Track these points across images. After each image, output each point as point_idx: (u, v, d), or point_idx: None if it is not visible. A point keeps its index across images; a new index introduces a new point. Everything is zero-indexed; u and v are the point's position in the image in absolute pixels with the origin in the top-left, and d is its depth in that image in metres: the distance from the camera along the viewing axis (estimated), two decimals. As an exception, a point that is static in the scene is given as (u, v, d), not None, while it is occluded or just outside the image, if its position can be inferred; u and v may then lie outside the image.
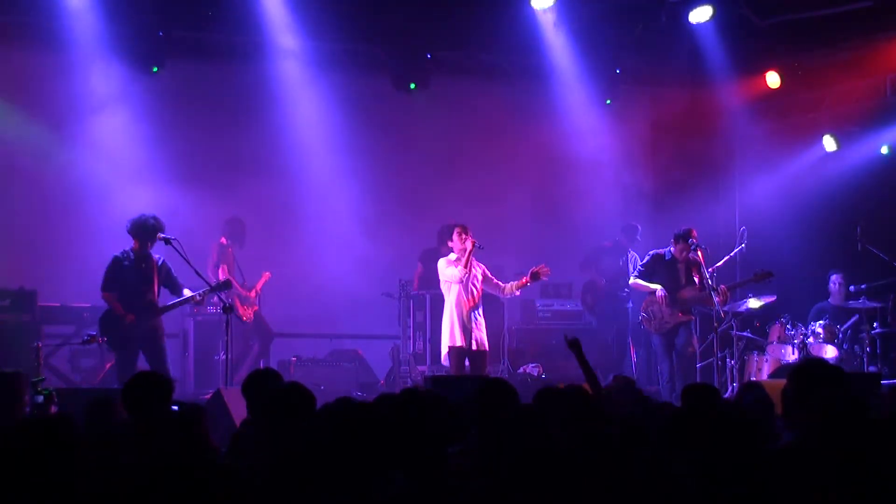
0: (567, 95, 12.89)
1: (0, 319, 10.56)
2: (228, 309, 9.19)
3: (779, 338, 11.03)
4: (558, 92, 12.84)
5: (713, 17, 11.70)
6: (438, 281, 9.96)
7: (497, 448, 4.28)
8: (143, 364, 9.31)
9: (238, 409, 6.82)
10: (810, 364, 4.87)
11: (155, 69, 11.49)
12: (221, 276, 11.07)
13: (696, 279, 10.38)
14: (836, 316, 11.40)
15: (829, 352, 10.77)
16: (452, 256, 9.80)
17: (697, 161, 13.51)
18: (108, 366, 10.96)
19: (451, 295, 9.72)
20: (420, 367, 11.26)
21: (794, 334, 10.96)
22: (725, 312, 10.79)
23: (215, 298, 9.88)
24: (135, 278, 9.31)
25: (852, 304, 11.19)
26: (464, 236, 9.65)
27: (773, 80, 12.72)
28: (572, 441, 4.18)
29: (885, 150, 12.36)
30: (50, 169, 11.61)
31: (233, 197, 11.97)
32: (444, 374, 9.79)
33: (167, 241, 9.28)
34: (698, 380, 10.19)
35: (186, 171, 11.78)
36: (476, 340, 9.65)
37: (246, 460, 4.50)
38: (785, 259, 11.66)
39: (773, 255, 11.60)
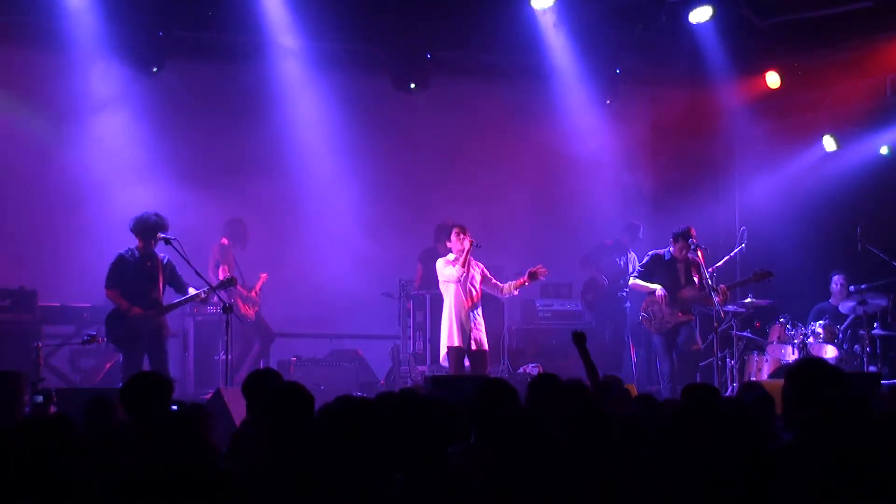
0: (567, 95, 12.89)
1: (0, 319, 10.56)
2: (228, 309, 9.19)
3: (779, 338, 11.03)
4: (558, 92, 12.84)
5: (713, 17, 11.70)
6: (438, 281, 9.98)
7: (497, 448, 4.28)
8: (144, 363, 9.31)
9: (238, 409, 6.83)
10: (808, 364, 4.86)
11: (155, 69, 11.50)
12: (222, 277, 11.07)
13: (695, 279, 10.38)
14: (836, 316, 11.40)
15: (829, 352, 10.77)
16: (451, 256, 9.81)
17: (697, 161, 13.51)
18: (108, 366, 10.97)
19: (449, 295, 9.73)
20: (420, 367, 11.27)
21: (794, 334, 10.96)
22: (725, 312, 10.80)
23: (216, 298, 9.88)
24: (140, 276, 9.31)
25: (853, 305, 11.18)
26: (462, 236, 9.67)
27: (773, 80, 12.72)
28: (572, 441, 4.18)
29: (884, 150, 12.36)
30: (50, 169, 11.62)
31: (233, 197, 11.97)
32: (444, 374, 9.79)
33: (167, 241, 9.28)
34: (699, 378, 10.20)
35: (186, 171, 11.78)
36: (475, 340, 9.65)
37: (246, 460, 4.50)
38: (785, 259, 11.66)
39: (773, 255, 11.60)
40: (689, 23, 11.83)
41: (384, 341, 12.19)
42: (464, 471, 4.20)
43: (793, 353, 10.76)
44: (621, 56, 12.82)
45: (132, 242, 9.43)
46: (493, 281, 9.92)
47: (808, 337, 10.91)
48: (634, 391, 8.91)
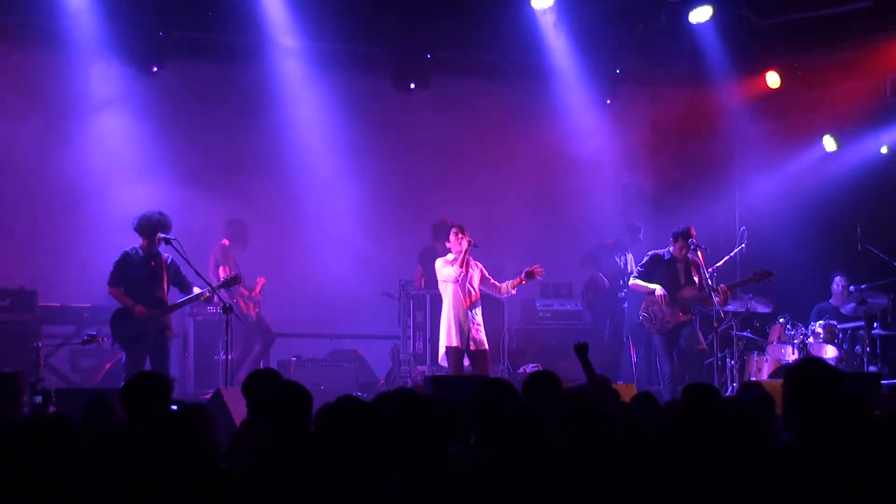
0: (567, 95, 12.89)
1: (0, 319, 10.56)
2: (228, 309, 9.19)
3: (779, 338, 11.04)
4: (558, 92, 12.84)
5: (713, 17, 11.70)
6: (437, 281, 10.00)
7: (497, 448, 4.28)
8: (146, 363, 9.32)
9: (238, 409, 6.83)
10: (807, 364, 4.86)
11: (155, 69, 11.50)
12: (222, 277, 11.07)
13: (695, 279, 10.38)
14: (836, 316, 11.40)
15: (829, 352, 10.78)
16: (450, 256, 9.83)
17: (697, 161, 13.52)
18: (108, 366, 10.97)
19: (448, 295, 9.74)
20: (420, 367, 11.27)
21: (794, 334, 10.97)
22: (725, 312, 10.80)
23: (216, 298, 9.88)
24: (144, 275, 9.31)
25: (853, 305, 11.19)
26: (460, 236, 9.69)
27: (773, 80, 12.72)
28: (573, 440, 4.18)
29: (884, 150, 12.36)
30: (50, 169, 11.61)
31: (233, 197, 11.97)
32: (444, 374, 9.79)
33: (167, 241, 9.28)
34: (705, 377, 10.20)
35: (186, 171, 11.78)
36: (474, 340, 9.66)
37: (246, 460, 4.50)
38: (785, 259, 11.66)
39: (773, 255, 11.59)
40: (689, 23, 11.83)
41: (384, 341, 12.19)
42: (464, 471, 4.20)
43: (793, 353, 10.77)
44: (621, 56, 12.82)
45: (132, 242, 9.42)
46: (492, 281, 9.93)
47: (808, 337, 10.91)
48: (634, 391, 8.92)
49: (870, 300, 11.01)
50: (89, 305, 11.13)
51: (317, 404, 4.36)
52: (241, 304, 11.14)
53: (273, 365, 11.14)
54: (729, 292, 10.38)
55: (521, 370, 11.42)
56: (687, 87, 13.31)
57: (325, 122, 12.46)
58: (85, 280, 11.10)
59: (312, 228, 12.70)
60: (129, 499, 3.40)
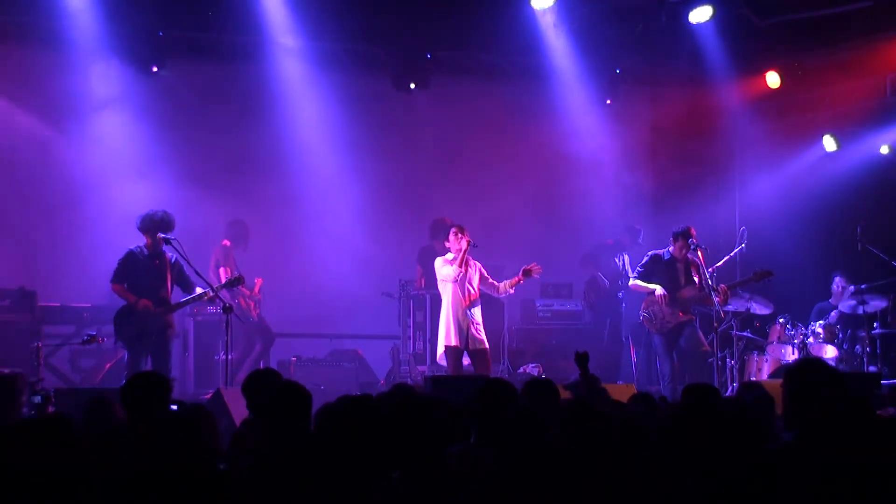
0: (567, 95, 12.89)
1: (0, 319, 10.56)
2: (228, 309, 9.19)
3: (779, 338, 11.04)
4: (558, 92, 12.84)
5: (713, 17, 11.69)
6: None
7: (497, 448, 4.28)
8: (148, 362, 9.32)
9: (238, 409, 6.83)
10: (807, 364, 4.86)
11: (155, 69, 11.51)
12: (223, 278, 11.07)
13: (695, 279, 10.38)
14: (836, 317, 11.40)
15: (829, 352, 10.78)
16: (449, 256, 9.84)
17: (697, 161, 13.51)
18: (108, 366, 10.97)
19: (447, 294, 9.76)
20: (420, 367, 11.27)
21: (794, 334, 10.97)
22: (725, 312, 10.80)
23: (212, 293, 9.87)
24: (148, 274, 9.33)
25: (853, 305, 11.19)
26: (460, 236, 9.71)
27: (773, 80, 12.72)
28: (572, 441, 4.18)
29: (885, 150, 12.36)
30: (50, 169, 11.62)
31: (233, 197, 11.97)
32: (444, 373, 9.80)
33: (167, 241, 9.29)
34: (705, 377, 10.20)
35: (186, 171, 11.78)
36: (473, 339, 9.66)
37: (246, 460, 4.50)
38: (785, 259, 11.66)
39: (773, 255, 11.59)
40: (689, 23, 11.82)
41: (384, 341, 12.19)
42: (464, 471, 4.20)
43: (793, 353, 10.77)
44: (621, 56, 12.82)
45: (133, 242, 9.43)
46: (490, 280, 9.95)
47: (808, 337, 10.91)
48: (634, 391, 8.92)
49: (870, 300, 11.01)
50: (89, 305, 11.13)
51: (317, 404, 4.37)
52: (243, 304, 11.14)
53: (273, 365, 11.15)
54: (729, 292, 10.38)
55: (521, 370, 11.42)
56: (687, 87, 13.31)
57: (325, 122, 12.46)
58: (85, 280, 11.11)
59: (312, 228, 12.70)
60: (129, 499, 3.40)
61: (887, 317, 11.15)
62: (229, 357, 9.48)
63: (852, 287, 11.26)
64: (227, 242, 11.53)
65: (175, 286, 9.51)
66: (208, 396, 8.73)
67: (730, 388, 10.28)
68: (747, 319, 11.57)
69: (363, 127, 12.66)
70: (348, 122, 12.51)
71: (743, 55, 12.50)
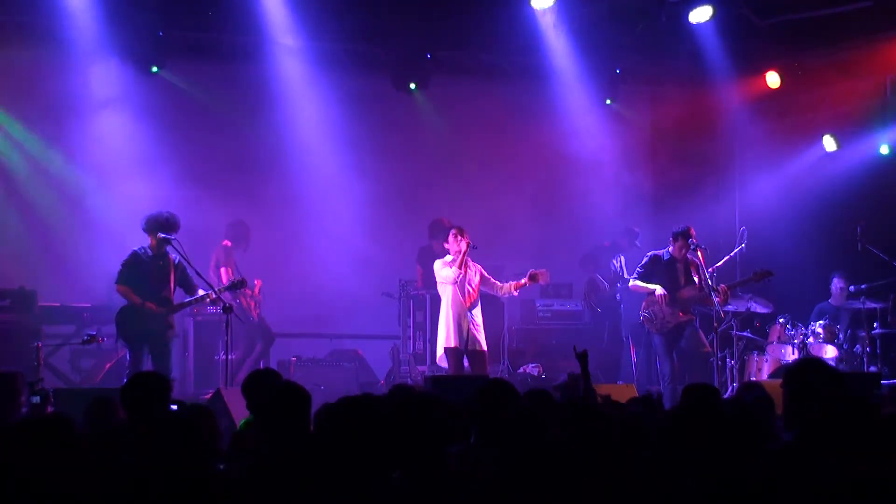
0: (567, 95, 12.89)
1: (0, 319, 10.55)
2: (228, 309, 9.21)
3: (779, 338, 11.04)
4: (558, 92, 12.84)
5: (713, 17, 11.69)
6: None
7: (497, 448, 4.28)
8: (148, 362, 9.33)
9: (238, 409, 6.83)
10: (806, 364, 4.86)
11: (155, 69, 11.51)
12: (224, 279, 11.09)
13: (695, 279, 10.38)
14: (836, 317, 11.40)
15: (829, 352, 10.78)
16: (449, 258, 9.84)
17: (697, 161, 13.51)
18: (108, 366, 10.97)
19: (446, 296, 9.76)
20: (420, 367, 11.27)
21: (794, 334, 10.97)
22: (725, 312, 10.80)
23: (215, 295, 9.88)
24: (151, 275, 9.35)
25: (852, 304, 11.19)
26: (459, 238, 9.71)
27: (773, 80, 12.73)
28: (572, 441, 4.18)
29: (885, 150, 12.36)
30: (50, 169, 11.61)
31: (233, 197, 11.96)
32: (443, 374, 9.80)
33: (167, 241, 9.30)
34: (705, 377, 10.19)
35: (186, 171, 11.77)
36: (473, 340, 9.67)
37: (246, 460, 4.50)
38: (785, 259, 11.65)
39: (773, 255, 11.59)
40: (689, 23, 11.83)
41: (384, 341, 12.18)
42: (464, 471, 4.20)
43: (793, 353, 10.77)
44: (621, 56, 12.82)
45: (133, 242, 9.44)
46: (492, 281, 9.95)
47: (808, 337, 10.91)
48: (634, 391, 8.93)
49: (869, 300, 11.01)
50: (89, 305, 11.13)
51: (317, 404, 4.37)
52: (244, 304, 11.14)
53: (273, 365, 11.14)
54: (729, 292, 10.38)
55: (521, 370, 11.42)
56: (687, 87, 13.31)
57: (325, 122, 12.46)
58: (85, 280, 11.12)
59: (312, 228, 12.70)
60: (128, 499, 3.40)
61: (887, 317, 11.15)
62: (229, 357, 9.49)
63: (852, 287, 11.26)
64: (228, 243, 11.53)
65: (177, 287, 9.53)
66: (208, 396, 8.73)
67: (730, 388, 10.28)
68: (747, 319, 11.57)
69: (363, 127, 12.65)
70: (348, 122, 12.51)
71: (743, 55, 12.50)
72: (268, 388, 5.31)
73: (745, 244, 11.10)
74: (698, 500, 3.64)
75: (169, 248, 9.38)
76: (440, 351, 9.78)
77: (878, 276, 11.26)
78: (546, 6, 11.72)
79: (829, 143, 12.62)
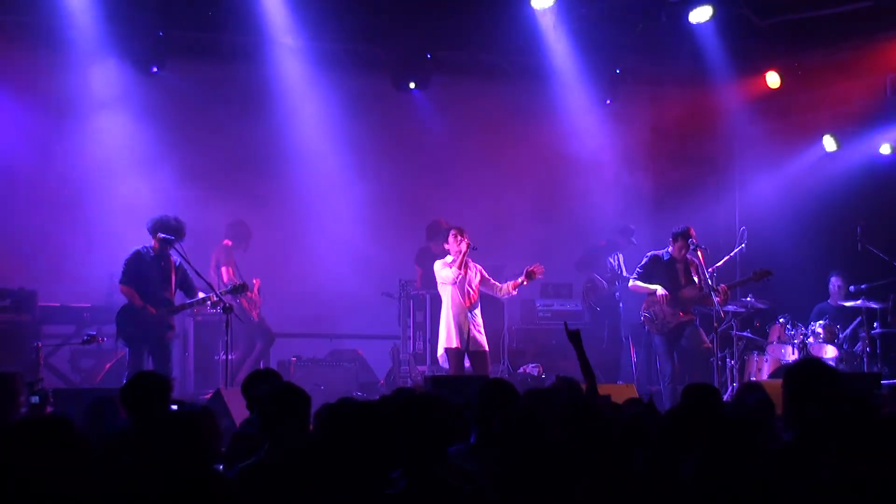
0: (567, 95, 12.89)
1: (0, 319, 10.56)
2: (228, 309, 9.22)
3: (779, 338, 11.04)
4: (558, 92, 12.84)
5: (713, 17, 11.69)
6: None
7: (497, 448, 4.28)
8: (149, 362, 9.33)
9: (238, 409, 6.83)
10: (806, 364, 4.87)
11: (155, 69, 11.51)
12: (225, 278, 11.10)
13: (695, 279, 10.38)
14: (836, 317, 11.40)
15: (829, 352, 10.78)
16: (449, 258, 9.84)
17: (697, 161, 13.51)
18: (108, 366, 10.97)
19: (446, 296, 9.77)
20: (420, 367, 11.27)
21: (794, 334, 10.96)
22: (725, 312, 10.80)
23: (216, 297, 9.89)
24: (154, 275, 9.37)
25: (852, 303, 11.19)
26: (459, 238, 9.72)
27: (773, 80, 12.73)
28: (572, 441, 4.18)
29: (885, 150, 12.36)
30: (50, 169, 11.61)
31: (233, 197, 11.96)
32: (443, 374, 9.80)
33: (168, 243, 9.32)
34: (700, 378, 10.19)
35: (186, 171, 11.77)
36: (473, 341, 9.67)
37: (246, 460, 4.50)
38: (785, 259, 11.66)
39: (773, 255, 11.60)
40: (689, 23, 11.82)
41: (384, 341, 12.18)
42: (464, 471, 4.20)
43: (793, 353, 10.77)
44: (621, 56, 12.82)
45: (132, 242, 9.46)
46: (492, 281, 9.95)
47: (808, 337, 10.91)
48: (634, 391, 8.93)
49: (869, 300, 11.01)
50: (89, 305, 11.13)
51: (317, 404, 4.37)
52: (245, 304, 11.14)
53: (273, 365, 11.15)
54: (729, 292, 10.38)
55: (521, 370, 11.42)
56: (687, 87, 13.30)
57: (325, 122, 12.46)
58: (85, 280, 11.12)
59: (312, 228, 12.70)
60: (128, 499, 3.40)
61: (887, 317, 11.15)
62: (229, 357, 9.50)
63: (852, 287, 11.26)
64: (229, 242, 11.53)
65: (177, 290, 9.54)
66: (208, 396, 8.73)
67: (730, 388, 10.29)
68: (747, 319, 11.57)
69: (363, 127, 12.65)
70: (348, 122, 12.51)
71: (743, 55, 12.50)
72: (267, 388, 5.30)
73: (745, 244, 11.11)
74: (698, 500, 3.64)
75: (171, 251, 9.39)
76: (440, 351, 9.79)
77: (878, 276, 11.25)
78: (546, 6, 11.72)
79: (829, 143, 12.62)
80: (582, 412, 4.52)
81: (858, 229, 11.23)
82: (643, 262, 10.59)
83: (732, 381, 10.53)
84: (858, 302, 11.03)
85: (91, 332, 9.81)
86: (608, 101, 13.18)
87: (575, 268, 12.86)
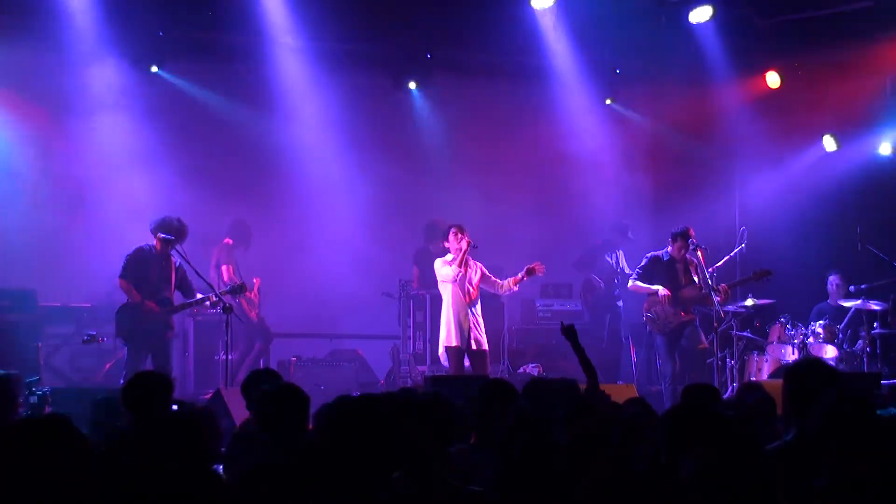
0: (567, 95, 12.90)
1: (0, 319, 10.55)
2: (228, 309, 9.22)
3: (779, 338, 11.03)
4: (558, 92, 12.85)
5: (713, 17, 11.70)
6: (437, 281, 10.01)
7: (497, 448, 4.28)
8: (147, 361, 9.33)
9: (238, 409, 6.83)
10: (806, 364, 4.87)
11: (155, 69, 11.51)
12: (225, 277, 11.10)
13: (695, 278, 10.38)
14: (836, 317, 11.40)
15: (829, 352, 10.77)
16: (449, 257, 9.85)
17: (697, 161, 13.51)
18: (107, 366, 10.98)
19: (447, 295, 9.77)
20: (420, 367, 11.27)
21: (794, 334, 10.96)
22: (725, 312, 10.80)
23: (215, 297, 9.90)
24: (155, 274, 9.38)
25: (852, 303, 11.18)
26: (459, 236, 9.73)
27: (773, 80, 12.72)
28: (572, 441, 4.18)
29: (885, 150, 12.35)
30: (50, 168, 11.61)
31: (233, 197, 11.96)
32: (444, 373, 9.80)
33: (169, 243, 9.32)
34: (705, 377, 10.19)
35: (186, 171, 11.77)
36: (474, 340, 9.67)
37: (246, 460, 4.50)
38: (785, 259, 11.66)
39: (773, 255, 11.59)
40: (689, 23, 11.83)
41: (384, 341, 12.19)
42: (464, 471, 4.20)
43: (793, 353, 10.76)
44: (621, 56, 12.81)
45: (132, 242, 9.46)
46: (493, 279, 9.96)
47: (808, 337, 10.91)
48: (634, 391, 8.93)
49: (869, 300, 11.01)
50: (89, 305, 11.14)
51: (317, 404, 4.37)
52: (244, 304, 11.14)
53: (273, 365, 11.15)
54: (730, 291, 10.39)
55: (521, 370, 11.42)
56: (687, 87, 13.28)
57: (325, 122, 12.47)
58: (85, 280, 11.12)
59: (312, 228, 12.70)
60: (127, 500, 3.40)
61: (887, 317, 11.15)
62: (229, 357, 9.50)
63: (852, 287, 11.25)
64: (230, 241, 11.54)
65: (177, 290, 9.56)
66: (208, 396, 8.73)
67: (730, 388, 10.29)
68: (747, 319, 11.57)
69: (363, 126, 12.66)
70: (348, 121, 12.51)
71: (743, 55, 12.50)
72: (267, 388, 5.30)
73: (745, 244, 11.10)
74: (698, 500, 3.64)
75: (171, 251, 9.41)
76: (441, 349, 9.79)
77: (878, 276, 11.25)
78: (546, 6, 11.72)
79: (829, 143, 12.62)
80: (582, 412, 4.52)
81: (858, 229, 11.23)
82: (643, 264, 10.59)
83: (732, 381, 10.53)
84: (858, 302, 11.03)
85: (91, 332, 9.82)
86: (608, 101, 13.18)
87: (573, 268, 12.86)
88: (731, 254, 11.07)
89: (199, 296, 9.53)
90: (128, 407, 5.23)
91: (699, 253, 10.29)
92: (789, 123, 12.94)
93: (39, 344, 9.30)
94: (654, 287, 10.33)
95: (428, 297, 11.34)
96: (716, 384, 9.51)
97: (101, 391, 7.40)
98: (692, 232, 10.34)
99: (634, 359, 12.18)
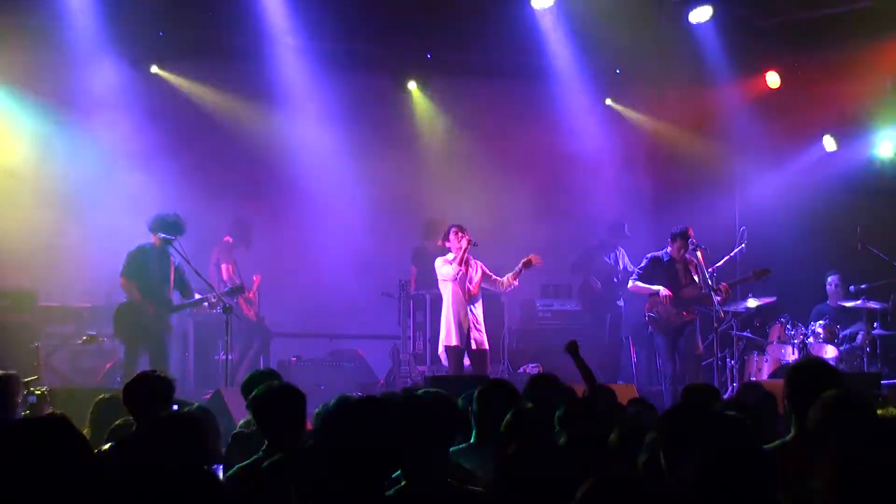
0: (567, 95, 12.90)
1: (0, 319, 10.55)
2: (228, 309, 9.23)
3: (779, 338, 11.04)
4: (558, 92, 12.85)
5: (713, 17, 11.70)
6: (436, 280, 10.02)
7: (497, 448, 4.27)
8: (144, 361, 9.33)
9: (238, 409, 6.83)
10: (807, 364, 4.86)
11: (155, 69, 11.51)
12: (224, 275, 11.09)
13: (695, 278, 10.38)
14: (835, 317, 11.40)
15: (829, 352, 10.78)
16: (449, 255, 9.86)
17: (697, 161, 13.50)
18: (107, 366, 10.97)
19: (447, 293, 9.78)
20: (420, 367, 11.27)
21: (794, 334, 10.96)
22: (725, 312, 10.80)
23: (214, 298, 9.90)
24: (155, 273, 9.39)
25: (852, 304, 11.18)
26: (460, 235, 9.74)
27: (773, 80, 12.73)
28: (572, 440, 4.18)
29: (885, 149, 12.35)
30: (50, 168, 11.60)
31: (233, 197, 11.97)
32: (443, 373, 9.80)
33: (168, 242, 9.32)
34: (705, 377, 10.21)
35: (186, 171, 11.76)
36: (474, 339, 9.68)
37: (245, 460, 4.50)
38: (785, 259, 11.65)
39: (773, 255, 11.59)
40: (689, 23, 11.83)
41: (384, 341, 12.19)
42: (464, 471, 4.20)
43: (793, 353, 10.77)
44: (621, 56, 12.81)
45: (132, 242, 9.48)
46: (493, 277, 9.98)
47: (808, 337, 10.91)
48: (634, 391, 8.93)
49: (869, 300, 11.01)
50: (89, 305, 11.13)
51: (317, 404, 4.37)
52: (243, 303, 11.14)
53: (273, 365, 11.15)
54: (730, 290, 10.39)
55: (521, 370, 11.42)
56: (687, 87, 13.29)
57: (326, 122, 12.47)
58: (85, 280, 11.11)
59: (313, 228, 12.70)
60: (127, 500, 3.40)
61: (887, 317, 11.15)
62: (229, 357, 9.50)
63: (852, 287, 11.26)
64: (230, 239, 11.55)
65: (175, 290, 9.56)
66: (208, 396, 8.73)
67: (730, 388, 10.29)
68: (747, 319, 11.57)
69: (363, 127, 12.66)
70: (348, 121, 12.52)
71: (743, 55, 12.50)
72: (261, 388, 5.30)
73: (745, 244, 11.10)
74: (698, 501, 3.64)
75: (170, 250, 9.41)
76: (441, 348, 9.80)
77: (878, 276, 11.25)
78: (546, 6, 11.72)
79: (829, 143, 12.62)
80: (582, 412, 4.52)
81: (858, 229, 11.23)
82: (643, 264, 10.59)
83: (732, 381, 10.54)
84: (858, 302, 11.03)
85: (91, 332, 9.82)
86: (608, 101, 13.17)
87: (570, 271, 12.84)
88: (731, 254, 11.08)
89: (197, 296, 9.52)
90: (128, 407, 5.22)
91: (699, 253, 10.30)
92: (789, 123, 12.93)
93: (39, 344, 9.29)
94: (656, 287, 10.33)
95: (428, 297, 11.34)
96: (716, 384, 9.52)
97: (101, 391, 7.39)
98: (692, 232, 10.34)
99: (634, 359, 12.18)
